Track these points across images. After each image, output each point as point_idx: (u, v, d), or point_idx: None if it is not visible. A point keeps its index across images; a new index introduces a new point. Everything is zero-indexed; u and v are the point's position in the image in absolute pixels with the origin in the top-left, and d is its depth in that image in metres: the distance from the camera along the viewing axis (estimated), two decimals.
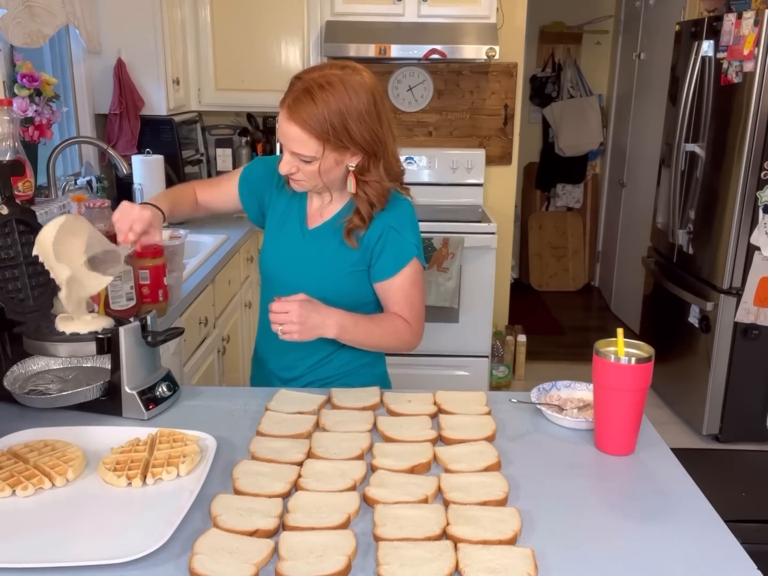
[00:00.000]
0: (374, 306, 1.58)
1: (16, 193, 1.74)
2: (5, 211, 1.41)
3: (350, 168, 1.43)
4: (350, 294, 1.53)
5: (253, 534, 1.01)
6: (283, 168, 1.42)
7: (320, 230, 1.55)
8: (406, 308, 1.53)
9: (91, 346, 1.35)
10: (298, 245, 1.56)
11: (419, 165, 3.79)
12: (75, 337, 1.34)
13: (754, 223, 3.01)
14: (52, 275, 1.31)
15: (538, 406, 1.40)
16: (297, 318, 1.36)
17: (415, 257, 1.52)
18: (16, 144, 1.75)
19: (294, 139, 1.37)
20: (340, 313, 1.44)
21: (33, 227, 1.47)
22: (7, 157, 1.72)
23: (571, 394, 1.45)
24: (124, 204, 1.45)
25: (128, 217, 1.42)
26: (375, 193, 1.46)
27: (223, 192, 1.67)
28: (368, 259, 1.52)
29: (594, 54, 5.42)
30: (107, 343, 1.35)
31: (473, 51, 3.30)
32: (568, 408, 1.38)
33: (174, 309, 2.00)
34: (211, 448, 1.22)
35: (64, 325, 1.35)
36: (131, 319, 1.42)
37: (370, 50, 3.29)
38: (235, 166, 3.59)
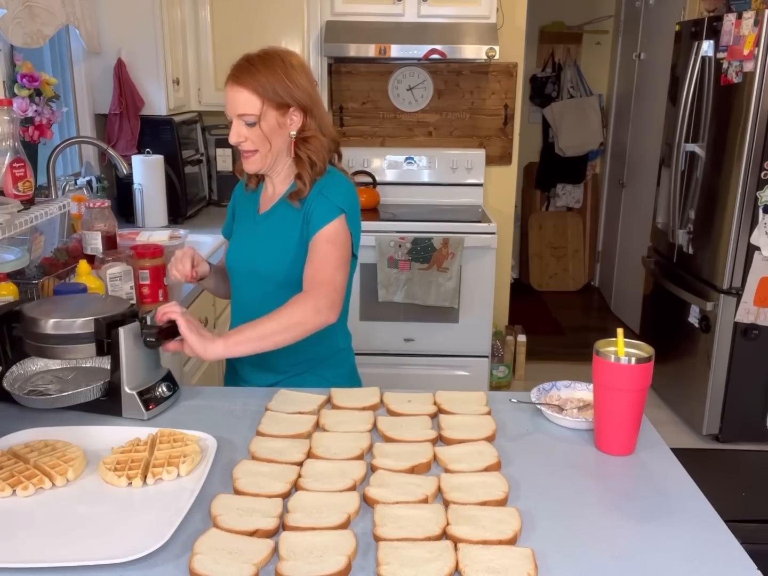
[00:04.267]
0: None
1: (16, 193, 1.74)
2: None
3: (292, 135, 1.56)
4: (302, 267, 1.56)
5: (253, 534, 1.01)
6: (232, 138, 1.54)
7: (269, 212, 1.65)
8: (312, 268, 1.52)
9: (91, 348, 1.35)
10: (251, 232, 1.67)
11: (419, 165, 3.79)
12: (74, 340, 1.35)
13: (754, 223, 3.01)
14: None
15: (538, 406, 1.40)
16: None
17: (338, 218, 1.54)
18: (16, 144, 1.74)
19: (237, 101, 1.51)
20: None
21: None
22: (7, 157, 1.72)
23: (571, 394, 1.45)
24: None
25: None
26: (314, 149, 1.56)
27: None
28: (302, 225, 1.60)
29: (594, 54, 5.42)
30: (106, 346, 1.35)
31: (473, 51, 3.30)
32: (568, 408, 1.38)
33: None
34: (211, 448, 1.22)
35: None
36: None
37: (370, 50, 3.29)
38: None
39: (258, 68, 1.51)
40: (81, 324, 1.35)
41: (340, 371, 1.70)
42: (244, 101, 1.51)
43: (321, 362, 1.66)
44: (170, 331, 1.39)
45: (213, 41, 3.34)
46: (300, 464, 1.20)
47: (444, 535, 1.02)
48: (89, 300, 1.53)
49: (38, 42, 2.34)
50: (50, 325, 1.34)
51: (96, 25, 2.86)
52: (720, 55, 3.11)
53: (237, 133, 1.54)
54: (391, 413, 1.40)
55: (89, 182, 2.78)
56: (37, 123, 2.19)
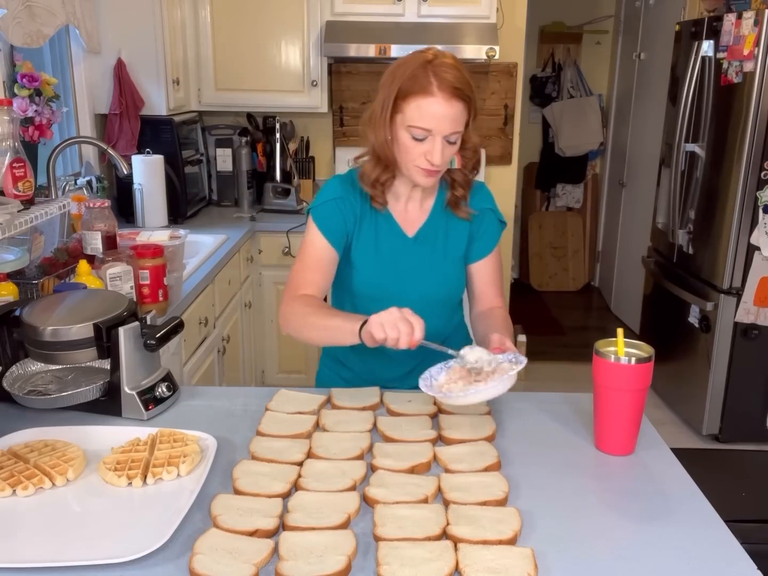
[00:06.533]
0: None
1: (16, 193, 1.73)
2: None
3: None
4: (459, 285, 1.57)
5: (253, 534, 1.01)
6: (438, 159, 1.36)
7: (424, 231, 1.53)
8: (496, 286, 1.57)
9: (92, 353, 1.35)
10: (403, 255, 1.52)
11: None
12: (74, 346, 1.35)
13: (754, 223, 3.01)
14: None
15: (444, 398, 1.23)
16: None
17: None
18: (16, 144, 1.74)
19: (453, 117, 1.34)
20: None
21: None
22: (7, 157, 1.72)
23: (454, 374, 1.27)
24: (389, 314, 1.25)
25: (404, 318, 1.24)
26: (470, 155, 1.45)
27: (330, 267, 1.50)
28: (468, 241, 1.55)
29: (594, 54, 5.42)
30: (107, 349, 1.35)
31: (473, 51, 3.30)
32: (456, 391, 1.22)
33: (174, 309, 2.00)
34: (211, 448, 1.22)
35: None
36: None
37: (370, 50, 3.29)
38: (235, 166, 3.58)
39: (461, 69, 1.35)
40: (80, 330, 1.34)
41: None
42: (459, 117, 1.35)
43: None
44: (171, 331, 1.39)
45: (213, 41, 3.34)
46: (300, 464, 1.19)
47: (444, 535, 1.02)
48: (88, 299, 1.53)
49: (38, 42, 2.34)
50: (49, 333, 1.34)
51: (96, 25, 2.86)
52: (720, 55, 3.11)
53: (443, 154, 1.37)
54: (391, 413, 1.40)
55: (89, 182, 2.78)
56: (37, 123, 2.19)
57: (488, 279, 1.57)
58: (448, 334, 1.60)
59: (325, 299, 1.51)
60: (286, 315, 1.44)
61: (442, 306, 1.59)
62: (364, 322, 1.27)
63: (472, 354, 1.26)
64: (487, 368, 1.26)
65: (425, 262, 1.52)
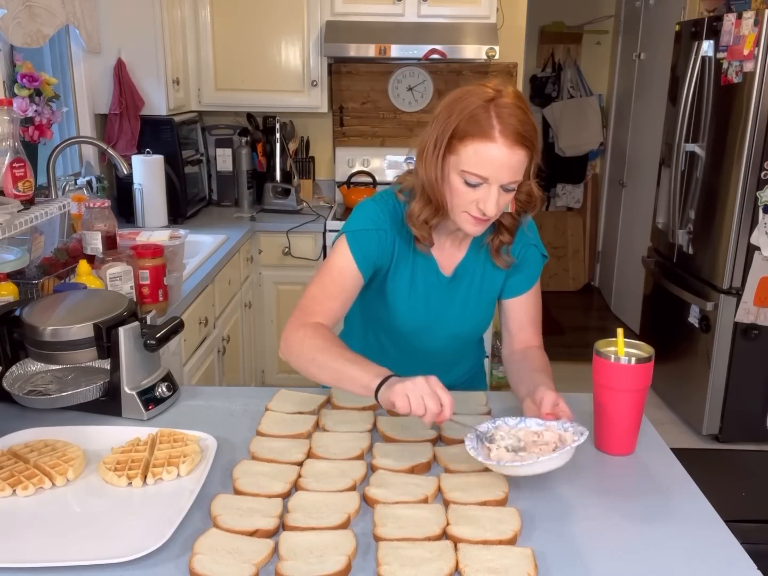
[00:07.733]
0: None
1: (16, 193, 1.73)
2: None
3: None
4: (487, 322, 1.53)
5: (253, 534, 1.01)
6: (493, 210, 1.25)
7: (460, 272, 1.45)
8: (536, 324, 1.47)
9: (92, 352, 1.35)
10: (437, 294, 1.45)
11: None
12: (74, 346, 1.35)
13: (754, 223, 3.01)
14: None
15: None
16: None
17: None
18: (16, 144, 1.74)
19: (513, 166, 1.22)
20: None
21: None
22: (7, 157, 1.72)
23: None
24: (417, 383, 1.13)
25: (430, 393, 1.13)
26: (525, 198, 1.35)
27: (353, 296, 1.40)
28: (505, 277, 1.47)
29: (594, 54, 5.42)
30: (107, 349, 1.35)
31: (473, 51, 3.30)
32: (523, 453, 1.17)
33: (174, 309, 2.01)
34: (211, 448, 1.22)
35: None
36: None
37: (370, 50, 3.29)
38: (235, 166, 3.58)
39: (527, 113, 1.22)
40: (80, 330, 1.34)
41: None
42: (520, 166, 1.23)
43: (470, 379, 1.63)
44: (171, 331, 1.39)
45: (213, 41, 3.34)
46: (300, 464, 1.20)
47: (444, 535, 1.02)
48: (88, 299, 1.53)
49: (38, 42, 2.34)
50: (49, 333, 1.34)
51: (96, 25, 2.86)
52: (720, 55, 3.11)
53: (497, 204, 1.25)
54: (391, 413, 1.40)
55: (89, 182, 2.78)
56: (37, 123, 2.19)
57: (527, 317, 1.47)
58: (468, 361, 1.62)
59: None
60: (290, 342, 1.32)
61: (467, 342, 1.58)
62: (384, 380, 1.16)
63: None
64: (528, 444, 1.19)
65: (458, 301, 1.46)
